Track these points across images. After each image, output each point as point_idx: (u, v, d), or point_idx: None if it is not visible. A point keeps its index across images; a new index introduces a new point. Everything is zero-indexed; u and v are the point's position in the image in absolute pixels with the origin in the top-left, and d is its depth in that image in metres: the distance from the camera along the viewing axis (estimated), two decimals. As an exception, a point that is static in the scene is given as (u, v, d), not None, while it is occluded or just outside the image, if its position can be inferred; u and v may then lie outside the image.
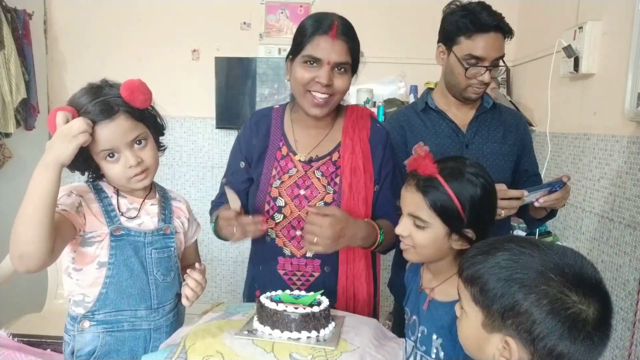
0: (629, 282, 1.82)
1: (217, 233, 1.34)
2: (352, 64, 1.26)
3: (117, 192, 1.18)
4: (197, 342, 1.00)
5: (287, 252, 1.33)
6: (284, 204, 1.32)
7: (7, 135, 2.71)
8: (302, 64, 1.24)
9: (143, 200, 1.21)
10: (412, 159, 1.02)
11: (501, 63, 1.47)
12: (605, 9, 2.07)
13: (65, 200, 1.09)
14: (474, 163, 1.03)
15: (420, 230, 1.00)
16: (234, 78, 3.17)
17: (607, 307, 0.68)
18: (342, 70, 1.24)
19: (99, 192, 1.17)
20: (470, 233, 0.98)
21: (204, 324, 1.09)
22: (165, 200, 1.28)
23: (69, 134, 0.98)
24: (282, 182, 1.32)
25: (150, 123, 1.18)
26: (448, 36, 1.46)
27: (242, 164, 1.40)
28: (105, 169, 1.13)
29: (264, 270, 1.36)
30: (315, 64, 1.23)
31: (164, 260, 1.21)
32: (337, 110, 1.36)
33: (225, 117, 3.19)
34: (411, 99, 3.03)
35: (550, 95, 2.17)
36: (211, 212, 1.42)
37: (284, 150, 1.35)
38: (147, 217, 1.21)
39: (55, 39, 3.27)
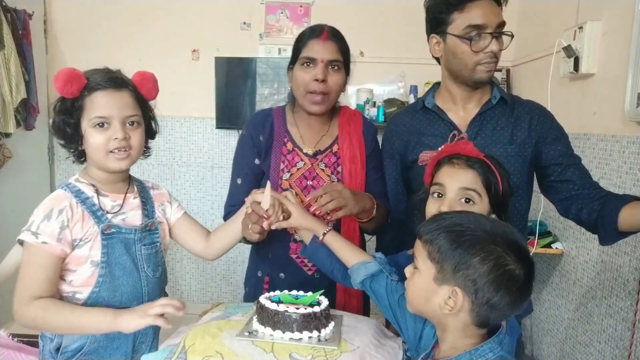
0: (629, 282, 1.82)
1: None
2: (344, 63, 1.39)
3: (97, 192, 1.15)
4: (196, 342, 1.00)
5: (297, 237, 1.40)
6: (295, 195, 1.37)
7: (7, 135, 2.72)
8: (300, 66, 1.37)
9: (125, 195, 1.20)
10: (451, 145, 1.10)
11: (506, 32, 1.30)
12: (605, 9, 2.07)
13: (45, 229, 1.07)
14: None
15: (467, 206, 1.04)
16: (234, 78, 3.18)
17: (532, 272, 0.83)
18: (336, 67, 1.37)
19: (78, 194, 1.13)
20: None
21: (203, 324, 1.09)
22: (144, 193, 1.26)
23: (146, 310, 1.06)
24: (291, 175, 1.43)
25: (147, 119, 1.20)
26: (439, 21, 1.33)
27: (257, 161, 1.46)
28: (89, 139, 1.11)
29: (275, 257, 1.44)
30: (311, 65, 1.36)
31: (152, 256, 1.21)
32: (332, 110, 1.48)
33: (225, 117, 3.20)
34: (411, 99, 3.02)
35: (550, 95, 2.16)
36: (226, 218, 1.47)
37: (289, 145, 1.45)
38: (132, 212, 1.20)
39: (55, 39, 3.27)
